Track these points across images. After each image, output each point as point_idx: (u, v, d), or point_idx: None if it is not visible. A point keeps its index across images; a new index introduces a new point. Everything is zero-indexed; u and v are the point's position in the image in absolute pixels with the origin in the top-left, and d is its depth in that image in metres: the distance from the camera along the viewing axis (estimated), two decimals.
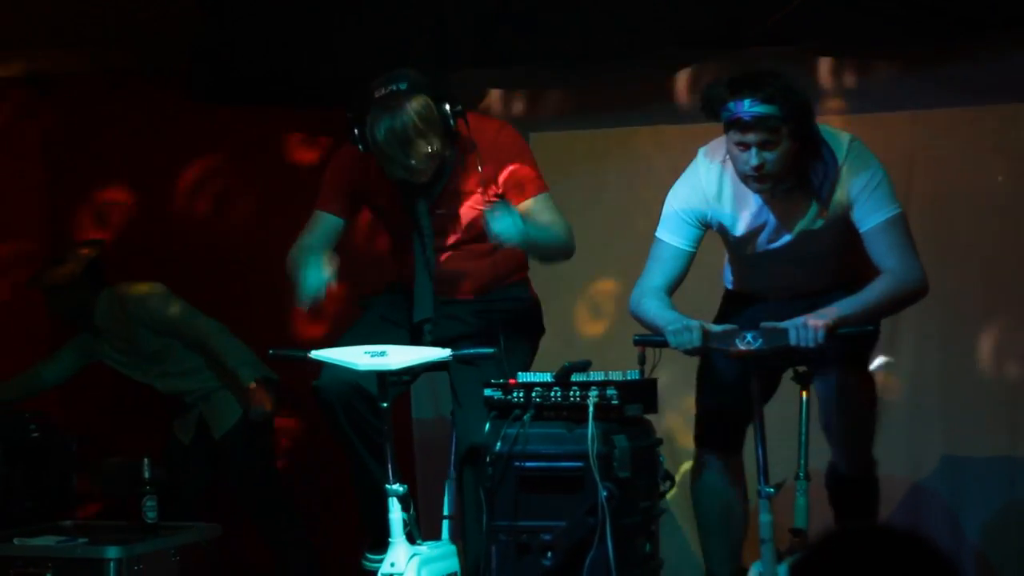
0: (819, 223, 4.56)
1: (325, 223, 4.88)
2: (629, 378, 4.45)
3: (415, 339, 4.80)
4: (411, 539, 4.56)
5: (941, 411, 5.63)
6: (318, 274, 4.59)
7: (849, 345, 4.47)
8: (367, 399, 4.63)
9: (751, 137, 4.40)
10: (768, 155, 4.41)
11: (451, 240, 4.83)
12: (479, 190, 4.77)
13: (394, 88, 4.60)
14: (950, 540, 5.45)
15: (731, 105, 4.39)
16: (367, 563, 4.85)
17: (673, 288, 4.62)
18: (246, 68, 6.07)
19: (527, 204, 4.73)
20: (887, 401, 5.32)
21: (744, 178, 4.50)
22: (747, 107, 4.37)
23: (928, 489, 5.59)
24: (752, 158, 4.41)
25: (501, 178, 4.75)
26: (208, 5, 6.07)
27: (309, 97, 6.12)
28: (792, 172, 4.48)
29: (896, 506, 5.51)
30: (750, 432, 4.54)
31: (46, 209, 6.94)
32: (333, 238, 4.87)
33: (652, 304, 4.55)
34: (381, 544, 4.65)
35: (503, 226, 4.47)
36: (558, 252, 4.80)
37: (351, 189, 4.89)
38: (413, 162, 4.60)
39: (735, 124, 4.41)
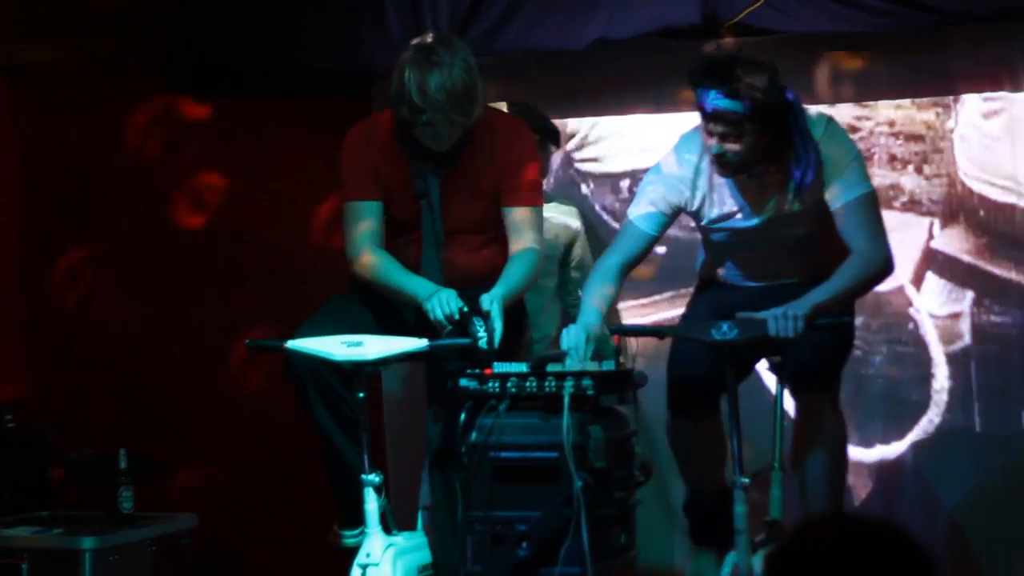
0: (796, 206, 4.57)
1: (368, 211, 4.74)
2: (604, 369, 4.45)
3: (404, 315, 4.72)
4: (386, 528, 4.55)
5: (912, 386, 5.63)
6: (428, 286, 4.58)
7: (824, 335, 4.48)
8: (336, 370, 4.58)
9: (712, 127, 4.42)
10: (729, 146, 4.43)
11: (450, 226, 4.74)
12: (485, 180, 4.71)
13: (443, 40, 4.55)
14: (925, 518, 5.47)
15: (699, 91, 4.41)
16: (345, 540, 4.80)
17: (631, 267, 4.68)
18: (227, 58, 6.04)
19: (520, 212, 4.69)
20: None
21: (711, 161, 4.52)
22: (711, 98, 4.39)
23: (902, 465, 5.60)
24: (713, 147, 4.45)
25: (509, 172, 4.70)
26: None
27: (293, 88, 6.10)
28: (764, 159, 4.50)
29: (872, 483, 5.53)
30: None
31: (21, 201, 6.88)
32: (382, 225, 4.77)
33: (592, 289, 4.60)
34: (353, 521, 4.64)
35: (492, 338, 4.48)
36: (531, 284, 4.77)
37: (373, 169, 4.75)
38: (462, 120, 4.50)
39: (699, 111, 4.43)
